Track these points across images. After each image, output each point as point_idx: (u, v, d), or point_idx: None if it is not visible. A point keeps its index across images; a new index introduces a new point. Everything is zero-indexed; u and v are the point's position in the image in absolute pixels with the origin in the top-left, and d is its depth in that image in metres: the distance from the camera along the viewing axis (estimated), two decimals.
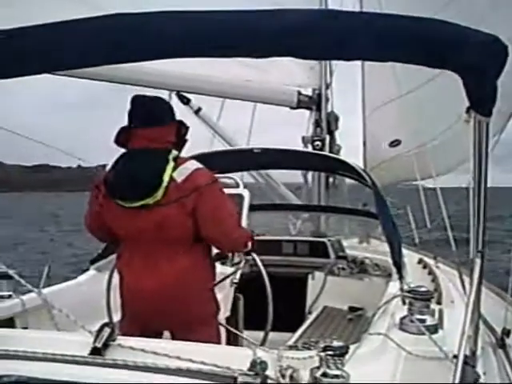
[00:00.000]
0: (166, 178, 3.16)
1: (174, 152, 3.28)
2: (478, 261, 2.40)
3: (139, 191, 3.18)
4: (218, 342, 3.49)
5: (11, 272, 3.15)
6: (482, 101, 2.18)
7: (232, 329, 4.00)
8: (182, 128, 3.42)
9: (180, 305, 3.31)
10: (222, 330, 3.76)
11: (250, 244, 3.63)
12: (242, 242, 3.59)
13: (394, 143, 8.81)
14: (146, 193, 3.17)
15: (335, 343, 2.04)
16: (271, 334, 3.87)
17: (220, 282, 3.75)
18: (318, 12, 2.07)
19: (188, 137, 3.47)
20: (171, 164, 3.20)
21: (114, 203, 3.27)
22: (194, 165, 3.29)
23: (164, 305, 3.29)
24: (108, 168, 3.35)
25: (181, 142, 3.41)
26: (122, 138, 3.33)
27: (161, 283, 3.27)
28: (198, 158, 3.52)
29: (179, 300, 3.30)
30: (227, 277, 4.07)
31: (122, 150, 3.36)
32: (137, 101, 3.34)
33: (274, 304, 3.87)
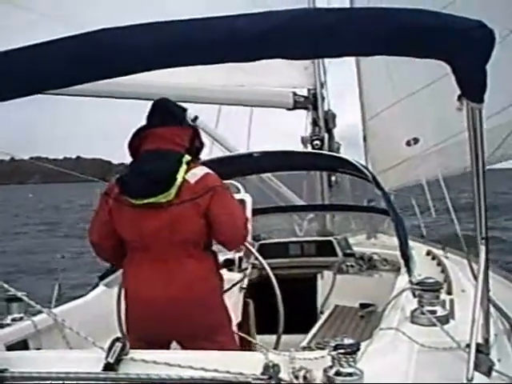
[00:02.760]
0: (179, 178, 3.20)
1: (187, 157, 3.33)
2: (482, 247, 2.39)
3: (152, 188, 3.21)
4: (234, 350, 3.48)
5: (20, 294, 3.16)
6: (472, 88, 2.17)
7: (243, 335, 3.99)
8: (195, 134, 3.50)
9: (192, 313, 3.29)
10: (236, 337, 3.75)
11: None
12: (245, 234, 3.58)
13: (412, 142, 8.68)
14: (159, 190, 3.20)
15: (346, 341, 2.04)
16: (285, 337, 3.87)
17: (230, 288, 3.74)
18: (300, 11, 2.04)
19: (202, 143, 3.59)
20: (184, 166, 3.26)
21: (126, 205, 3.28)
22: (205, 170, 3.36)
23: (176, 313, 3.27)
24: (123, 169, 3.41)
25: (194, 149, 3.46)
26: (137, 138, 3.39)
27: (172, 289, 3.25)
28: None
29: (192, 308, 3.28)
30: (237, 283, 4.06)
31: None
32: (159, 103, 3.49)
33: (285, 306, 3.86)
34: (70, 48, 2.04)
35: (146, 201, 3.21)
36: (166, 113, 3.44)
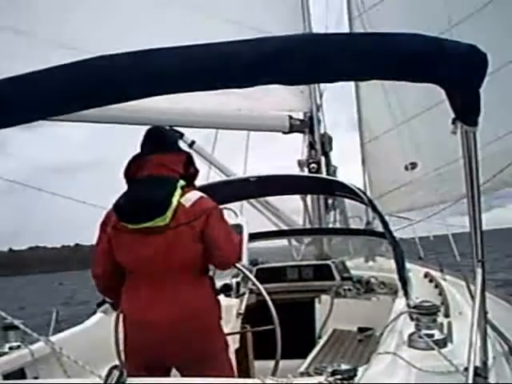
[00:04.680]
0: (174, 202, 3.23)
1: (182, 182, 3.37)
2: (479, 270, 2.39)
3: (148, 212, 3.23)
4: (231, 376, 3.46)
5: (17, 322, 3.14)
6: (466, 111, 2.18)
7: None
8: (189, 160, 3.53)
9: (191, 337, 3.27)
10: (233, 363, 3.73)
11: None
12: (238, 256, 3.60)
13: (410, 166, 8.71)
14: (155, 213, 3.22)
15: (343, 366, 2.03)
16: (283, 362, 3.85)
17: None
18: (297, 37, 2.06)
19: (197, 169, 3.60)
20: (179, 190, 3.29)
21: (123, 231, 3.30)
22: (199, 194, 3.39)
23: (174, 338, 3.25)
24: (119, 196, 3.39)
25: (188, 175, 3.49)
26: (132, 166, 3.42)
27: (170, 314, 3.24)
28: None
29: (190, 332, 3.26)
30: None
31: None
32: (152, 131, 3.55)
33: (283, 331, 3.84)
34: (67, 75, 2.05)
35: (143, 225, 3.23)
36: (160, 140, 3.50)
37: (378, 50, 1.96)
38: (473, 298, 2.44)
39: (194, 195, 3.35)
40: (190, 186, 3.43)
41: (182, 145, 7.13)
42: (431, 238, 8.35)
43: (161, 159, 3.39)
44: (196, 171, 3.58)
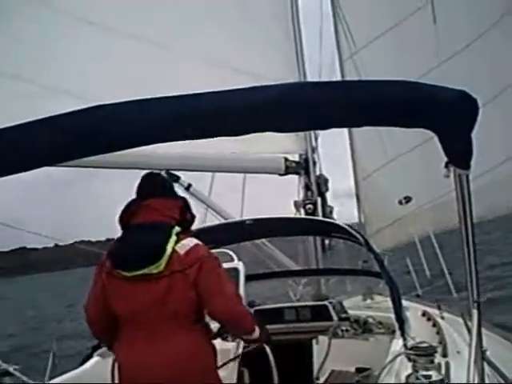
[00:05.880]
0: (168, 249, 3.23)
1: (177, 228, 3.37)
2: (475, 311, 2.41)
3: (142, 259, 3.24)
4: None
5: (12, 369, 3.13)
6: (458, 155, 2.22)
7: None
8: (185, 205, 3.55)
9: None
10: None
11: (257, 330, 3.51)
12: (246, 320, 3.50)
13: (403, 201, 8.75)
14: (149, 261, 3.22)
15: None
16: None
17: (226, 363, 3.71)
18: (289, 86, 2.11)
19: (193, 215, 3.61)
20: (174, 237, 3.29)
21: (118, 278, 3.30)
22: (194, 241, 3.38)
23: None
24: (114, 242, 3.44)
25: (184, 220, 3.49)
26: (128, 212, 3.44)
27: (165, 362, 3.23)
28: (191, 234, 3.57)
29: (185, 380, 3.24)
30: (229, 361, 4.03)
31: None
32: (149, 176, 3.58)
33: (281, 373, 3.83)
34: (68, 123, 2.09)
35: (137, 272, 3.23)
36: (156, 186, 3.53)
37: (369, 99, 2.00)
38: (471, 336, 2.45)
39: (189, 242, 3.35)
40: (185, 231, 3.45)
41: (179, 188, 7.25)
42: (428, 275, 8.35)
43: (156, 205, 3.41)
44: (192, 217, 3.58)
